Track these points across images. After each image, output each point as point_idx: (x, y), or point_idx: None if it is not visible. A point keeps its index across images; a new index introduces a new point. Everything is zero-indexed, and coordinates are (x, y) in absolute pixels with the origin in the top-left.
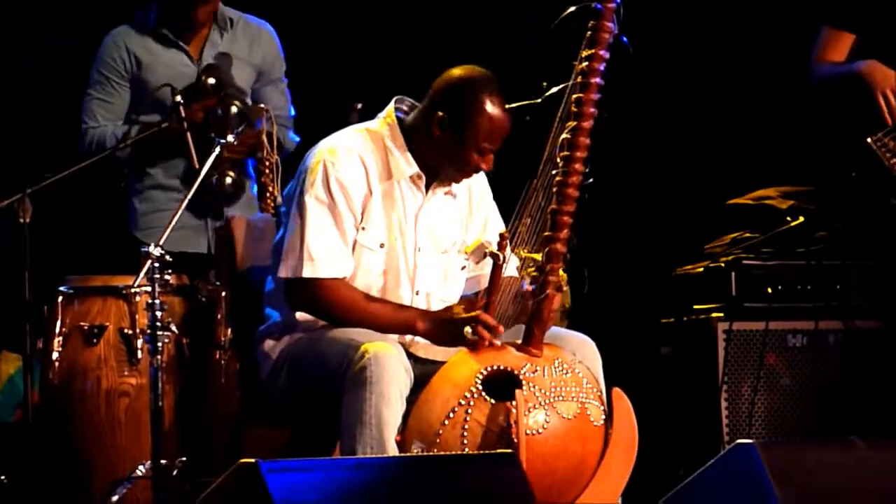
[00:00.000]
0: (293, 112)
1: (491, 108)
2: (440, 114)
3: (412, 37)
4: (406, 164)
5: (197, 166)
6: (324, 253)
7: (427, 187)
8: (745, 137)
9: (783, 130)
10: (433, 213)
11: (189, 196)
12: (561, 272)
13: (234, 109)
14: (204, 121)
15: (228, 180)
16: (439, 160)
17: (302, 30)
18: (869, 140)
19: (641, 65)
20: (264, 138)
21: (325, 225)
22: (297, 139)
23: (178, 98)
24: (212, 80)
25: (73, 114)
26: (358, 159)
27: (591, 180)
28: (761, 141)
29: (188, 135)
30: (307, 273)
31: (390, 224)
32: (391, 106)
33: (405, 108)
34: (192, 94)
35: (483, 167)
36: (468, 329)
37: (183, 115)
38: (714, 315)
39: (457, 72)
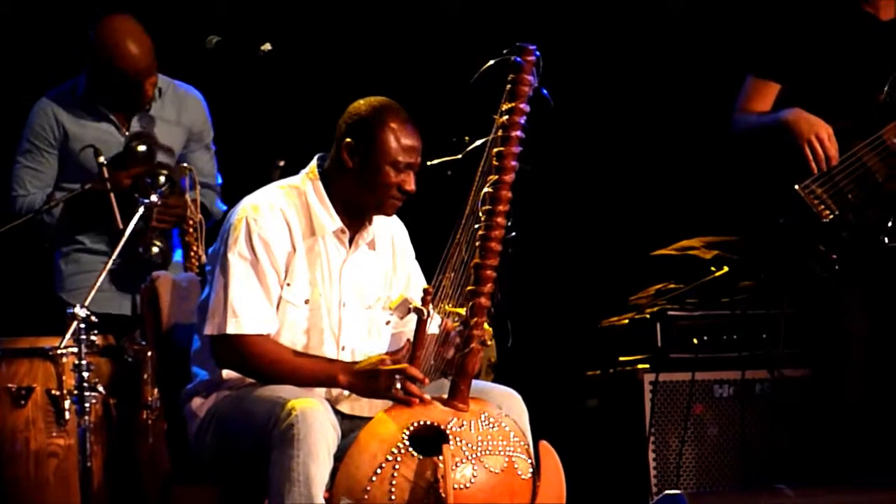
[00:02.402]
0: (220, 180)
1: (394, 120)
2: (348, 140)
3: (334, 95)
4: (329, 219)
5: (121, 227)
6: (247, 309)
7: (351, 242)
8: (667, 187)
9: (706, 180)
10: (357, 268)
11: (114, 257)
12: (486, 326)
13: (161, 180)
14: (131, 186)
15: (156, 249)
16: (360, 192)
17: (224, 93)
18: (797, 187)
19: (564, 115)
20: (188, 197)
21: (249, 282)
22: (225, 207)
23: (102, 159)
24: (142, 148)
25: None
26: (281, 216)
27: (513, 234)
28: (684, 191)
29: (112, 196)
30: (231, 329)
31: (314, 280)
32: (313, 162)
33: (327, 164)
34: (121, 162)
35: (406, 188)
36: (397, 385)
37: (107, 175)
38: (640, 366)
39: (357, 102)
